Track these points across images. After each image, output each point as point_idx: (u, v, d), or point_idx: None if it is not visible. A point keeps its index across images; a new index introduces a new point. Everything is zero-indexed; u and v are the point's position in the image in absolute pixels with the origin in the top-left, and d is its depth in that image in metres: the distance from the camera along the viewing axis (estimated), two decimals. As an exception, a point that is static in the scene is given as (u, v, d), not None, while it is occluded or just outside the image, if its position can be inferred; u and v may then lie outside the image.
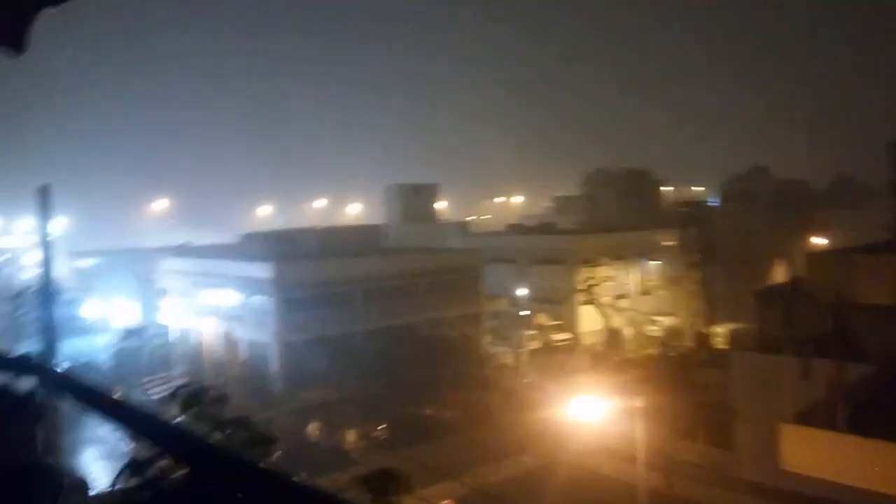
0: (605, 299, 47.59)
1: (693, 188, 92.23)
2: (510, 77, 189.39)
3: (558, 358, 42.68)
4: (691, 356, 36.89)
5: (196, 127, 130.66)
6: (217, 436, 2.33)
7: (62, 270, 46.45)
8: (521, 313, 48.20)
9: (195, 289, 46.79)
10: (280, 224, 70.01)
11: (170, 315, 49.79)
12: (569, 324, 48.31)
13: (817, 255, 32.43)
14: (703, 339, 42.58)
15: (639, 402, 26.35)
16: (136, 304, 51.71)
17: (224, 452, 1.64)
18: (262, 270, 40.70)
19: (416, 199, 69.77)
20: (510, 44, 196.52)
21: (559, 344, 46.28)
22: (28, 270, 48.29)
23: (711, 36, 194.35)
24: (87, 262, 56.79)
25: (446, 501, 23.30)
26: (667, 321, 48.60)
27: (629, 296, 50.36)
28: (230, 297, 43.54)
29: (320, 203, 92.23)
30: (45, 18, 1.82)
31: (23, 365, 2.29)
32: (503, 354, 44.54)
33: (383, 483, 2.78)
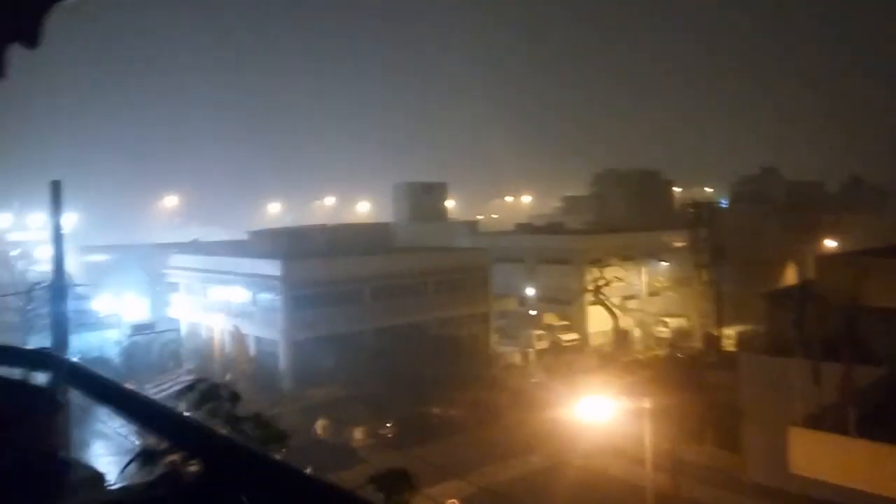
0: (614, 300, 47.47)
1: (703, 189, 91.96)
2: (520, 77, 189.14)
3: (566, 358, 42.62)
4: (700, 358, 36.77)
5: (207, 125, 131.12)
6: (231, 431, 2.34)
7: (73, 265, 46.71)
8: (530, 313, 48.15)
9: (204, 285, 46.98)
10: (289, 222, 70.21)
11: (179, 311, 50.02)
12: (577, 324, 48.23)
13: (828, 258, 32.21)
14: (711, 341, 42.44)
15: (647, 404, 26.29)
16: (146, 299, 51.97)
17: (239, 447, 1.65)
18: (271, 268, 40.81)
19: (424, 197, 69.76)
20: (521, 43, 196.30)
21: (567, 344, 46.20)
22: (40, 265, 48.66)
23: (723, 36, 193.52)
24: (98, 258, 57.14)
25: (452, 500, 23.29)
26: (675, 322, 48.44)
27: (638, 296, 50.26)
28: (239, 294, 43.70)
29: (329, 201, 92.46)
30: (59, 13, 1.83)
31: (39, 358, 2.31)
32: (511, 354, 44.50)
33: (394, 482, 2.79)
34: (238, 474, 1.63)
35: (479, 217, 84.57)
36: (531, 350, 44.59)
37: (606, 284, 47.34)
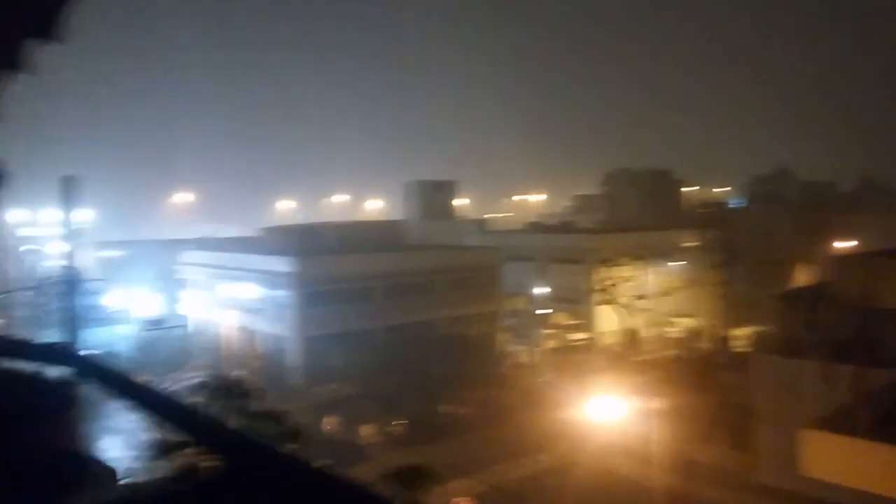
0: (625, 299, 47.29)
1: (715, 189, 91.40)
2: (531, 75, 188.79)
3: (576, 357, 42.52)
4: (711, 358, 36.57)
5: (219, 122, 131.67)
6: (245, 427, 2.32)
7: (86, 260, 47.04)
8: (540, 312, 48.05)
9: (216, 281, 47.20)
10: (300, 219, 70.37)
11: (190, 306, 50.29)
12: (587, 323, 48.09)
13: (842, 258, 31.91)
14: (723, 342, 42.21)
15: (657, 404, 26.18)
16: (157, 295, 52.27)
17: (256, 443, 1.63)
18: (282, 264, 40.94)
19: (435, 196, 69.74)
20: (533, 42, 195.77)
21: (577, 343, 46.08)
22: (52, 260, 49.02)
23: (735, 35, 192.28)
24: (110, 253, 57.52)
25: (462, 499, 23.27)
26: (687, 322, 48.21)
27: (649, 296, 50.01)
28: (250, 291, 43.86)
29: (340, 199, 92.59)
30: (80, 10, 1.82)
31: (55, 353, 2.30)
32: (521, 353, 44.43)
33: (412, 478, 2.77)
34: (256, 470, 1.61)
35: (490, 215, 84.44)
36: (541, 349, 44.50)
37: (617, 284, 47.17)
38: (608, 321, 47.97)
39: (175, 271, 52.09)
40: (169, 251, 52.97)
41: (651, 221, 60.37)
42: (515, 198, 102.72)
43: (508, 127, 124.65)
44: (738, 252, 46.16)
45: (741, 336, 42.43)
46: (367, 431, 31.04)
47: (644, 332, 48.17)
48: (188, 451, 1.80)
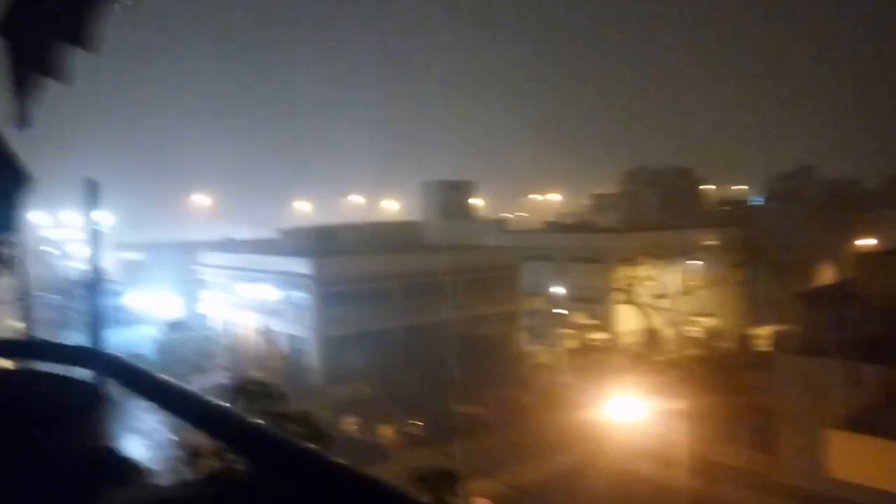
0: (645, 299, 46.99)
1: (734, 187, 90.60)
2: (549, 74, 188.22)
3: (595, 357, 42.29)
4: (733, 358, 36.22)
5: (236, 125, 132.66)
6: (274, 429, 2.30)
7: (108, 263, 47.54)
8: (558, 312, 47.87)
9: (235, 283, 47.53)
10: (318, 220, 70.64)
11: (211, 308, 50.67)
12: (606, 323, 47.82)
13: (867, 257, 31.49)
14: (744, 341, 41.81)
15: (678, 404, 25.98)
16: (178, 296, 52.72)
17: (290, 445, 1.60)
18: (302, 265, 41.13)
19: (452, 196, 69.69)
20: (549, 40, 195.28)
21: (596, 343, 45.84)
22: (75, 262, 49.62)
23: (755, 30, 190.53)
24: (131, 255, 58.11)
25: (481, 499, 23.21)
26: (708, 322, 47.80)
27: (669, 296, 49.64)
28: (269, 292, 44.11)
29: (357, 199, 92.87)
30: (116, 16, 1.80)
31: (83, 354, 2.29)
32: (540, 353, 44.27)
33: (441, 481, 2.72)
34: (290, 472, 1.58)
35: (508, 215, 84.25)
36: (560, 349, 44.32)
37: (637, 283, 46.87)
38: (627, 321, 47.67)
39: (194, 273, 52.50)
40: (188, 253, 53.39)
41: (670, 220, 59.94)
42: (533, 197, 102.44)
43: (525, 126, 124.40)
44: (758, 251, 45.70)
45: (762, 335, 42.00)
46: (385, 431, 31.09)
47: (664, 332, 47.83)
48: (219, 452, 1.77)
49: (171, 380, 1.98)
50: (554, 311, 48.03)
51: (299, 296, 41.54)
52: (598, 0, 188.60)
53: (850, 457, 21.67)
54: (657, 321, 47.63)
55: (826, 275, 47.48)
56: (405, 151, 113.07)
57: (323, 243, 44.97)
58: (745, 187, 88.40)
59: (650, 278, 47.68)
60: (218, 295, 50.05)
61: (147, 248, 59.19)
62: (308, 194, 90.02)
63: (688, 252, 51.22)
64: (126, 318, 44.22)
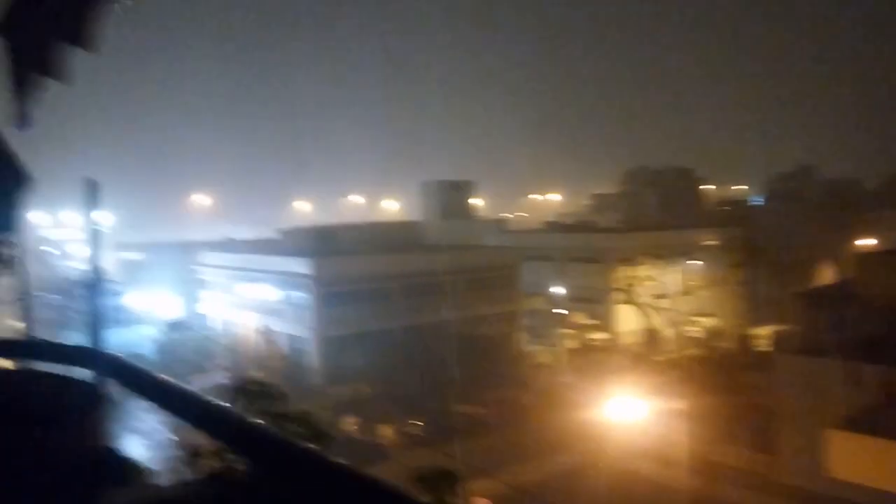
0: (645, 299, 47.00)
1: (734, 187, 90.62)
2: (549, 73, 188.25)
3: (596, 357, 42.28)
4: (733, 358, 36.22)
5: (235, 124, 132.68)
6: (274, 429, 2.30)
7: (108, 262, 47.47)
8: (558, 312, 47.87)
9: (235, 283, 47.53)
10: (318, 220, 70.61)
11: (211, 308, 50.67)
12: (606, 323, 47.82)
13: (868, 256, 31.50)
14: (745, 341, 41.83)
15: (678, 404, 25.98)
16: (178, 296, 52.71)
17: (290, 445, 1.60)
18: (301, 266, 41.13)
19: (452, 196, 69.68)
20: (549, 39, 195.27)
21: (596, 343, 45.84)
22: (75, 262, 49.62)
23: (755, 30, 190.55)
24: (131, 255, 58.10)
25: (481, 499, 23.21)
26: (708, 322, 47.80)
27: (669, 296, 49.65)
28: (269, 292, 44.12)
29: (357, 199, 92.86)
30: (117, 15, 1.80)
31: (83, 354, 2.29)
32: (540, 353, 44.27)
33: (441, 482, 2.72)
34: (290, 472, 1.58)
35: (508, 215, 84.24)
36: (560, 349, 44.32)
37: (637, 283, 46.88)
38: (627, 321, 47.67)
39: (194, 273, 52.49)
40: (188, 253, 53.39)
41: (670, 220, 59.95)
42: (533, 197, 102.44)
43: (525, 126, 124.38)
44: (758, 251, 45.69)
45: (762, 335, 42.02)
46: (385, 431, 31.08)
47: (664, 332, 47.83)
48: (219, 452, 1.77)
49: (172, 380, 1.98)
50: (554, 311, 48.04)
51: (299, 296, 41.54)
52: (599, 1, 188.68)
53: (850, 457, 21.67)
54: (657, 321, 47.63)
55: (826, 275, 47.50)
56: (405, 151, 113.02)
57: (323, 243, 44.97)
58: (746, 187, 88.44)
59: (650, 278, 47.68)
60: (218, 295, 50.04)
61: (147, 248, 59.18)
62: (308, 194, 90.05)
63: (688, 252, 51.23)
64: (126, 318, 44.22)
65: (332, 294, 40.24)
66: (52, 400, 1.87)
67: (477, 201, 76.94)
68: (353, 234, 48.42)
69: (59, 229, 60.30)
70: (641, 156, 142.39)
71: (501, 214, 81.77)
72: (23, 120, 1.82)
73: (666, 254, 50.56)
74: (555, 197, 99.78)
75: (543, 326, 46.88)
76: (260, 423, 1.85)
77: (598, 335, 46.73)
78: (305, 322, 40.76)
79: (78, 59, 1.79)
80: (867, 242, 47.72)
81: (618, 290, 47.21)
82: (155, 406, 1.97)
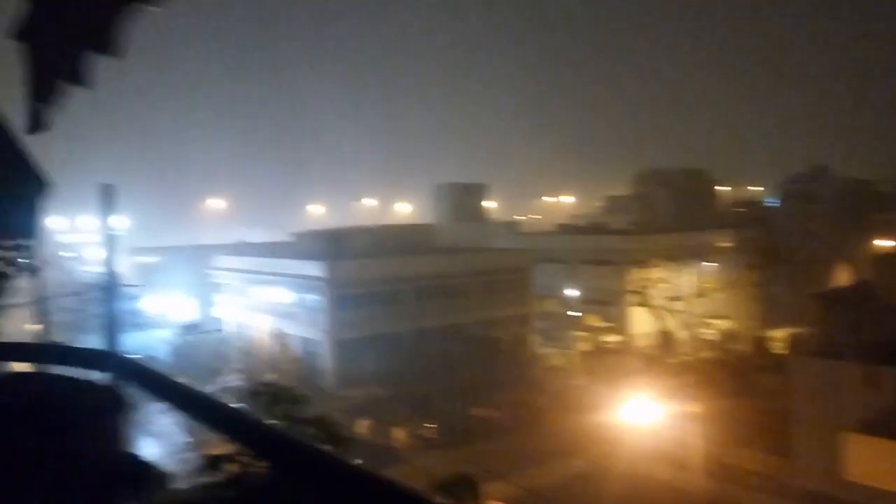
0: (659, 301, 46.75)
1: (749, 188, 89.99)
2: (562, 76, 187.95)
3: (609, 360, 42.11)
4: (748, 360, 35.98)
5: (249, 128, 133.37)
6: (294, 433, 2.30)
7: (123, 266, 47.90)
8: (572, 314, 47.72)
9: (249, 286, 47.76)
10: (331, 223, 70.86)
11: (225, 311, 50.93)
12: (620, 326, 47.61)
13: (884, 257, 31.17)
14: (760, 344, 41.51)
15: (693, 407, 25.81)
16: (193, 300, 53.03)
17: (309, 449, 1.59)
18: (315, 269, 41.26)
19: (465, 198, 69.76)
20: (563, 42, 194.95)
21: (610, 346, 45.65)
22: (91, 266, 50.04)
23: (771, 30, 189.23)
24: (147, 259, 58.52)
25: (496, 503, 23.14)
26: (723, 324, 47.49)
27: (683, 298, 49.39)
28: (283, 295, 44.28)
29: (370, 202, 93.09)
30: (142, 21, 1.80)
31: (102, 358, 2.30)
32: (553, 356, 44.14)
33: (460, 487, 2.71)
34: (309, 476, 1.58)
35: (521, 217, 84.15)
36: (573, 352, 44.18)
37: (651, 286, 46.65)
38: (641, 323, 47.44)
39: (209, 276, 52.82)
40: (203, 257, 53.73)
41: (684, 222, 59.59)
42: (546, 199, 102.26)
43: (537, 128, 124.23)
44: (774, 252, 45.34)
45: (778, 338, 41.68)
46: (399, 434, 31.09)
47: (678, 335, 47.57)
48: (237, 456, 1.77)
49: (190, 384, 1.98)
50: (567, 313, 47.90)
51: (313, 299, 41.67)
52: (612, 2, 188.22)
53: (867, 460, 21.45)
54: (671, 323, 47.38)
55: (843, 276, 47.06)
56: (418, 154, 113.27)
57: (336, 246, 45.10)
58: (761, 188, 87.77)
59: (664, 280, 47.43)
60: (232, 298, 50.30)
61: (162, 252, 59.60)
62: (321, 198, 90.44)
63: (702, 254, 50.92)
64: (141, 322, 44.55)
65: (345, 297, 40.34)
66: (71, 404, 1.88)
67: (489, 204, 76.99)
68: (366, 237, 48.54)
69: (75, 234, 60.84)
70: (655, 157, 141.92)
71: (514, 217, 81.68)
72: (37, 125, 1.81)
73: (680, 256, 50.27)
74: (568, 199, 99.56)
75: (556, 329, 46.75)
76: (280, 427, 1.85)
77: (611, 338, 46.54)
78: (319, 325, 40.87)
79: (102, 65, 1.79)
80: (884, 243, 47.22)
81: (631, 292, 47.00)
82: (174, 410, 1.97)
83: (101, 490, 1.77)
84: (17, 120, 1.87)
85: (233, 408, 1.85)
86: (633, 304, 47.17)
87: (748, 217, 49.26)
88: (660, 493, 24.79)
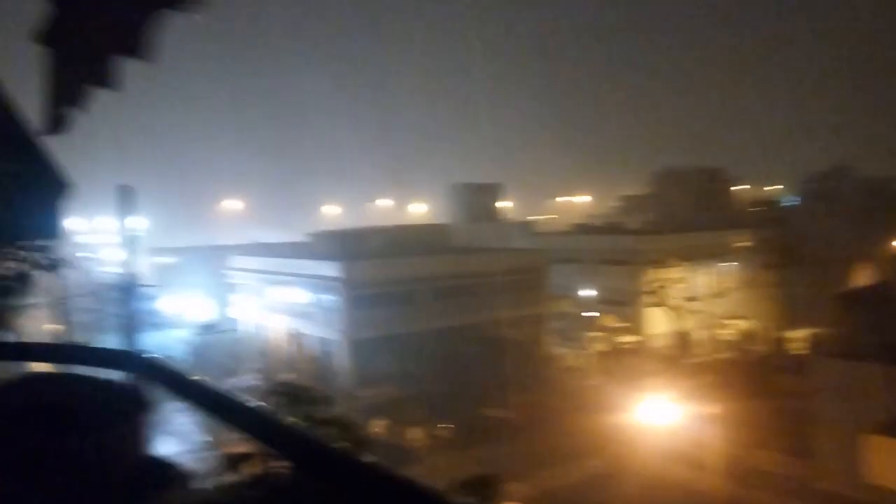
0: (675, 301, 46.45)
1: (766, 187, 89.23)
2: (579, 75, 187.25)
3: (625, 360, 41.92)
4: (766, 361, 35.69)
5: (264, 129, 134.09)
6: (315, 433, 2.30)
7: (142, 267, 48.32)
8: (587, 314, 47.52)
9: (266, 286, 48.01)
10: (347, 224, 71.07)
11: (242, 311, 51.24)
12: (636, 326, 47.36)
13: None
14: (779, 344, 41.16)
15: (711, 408, 25.63)
16: (210, 300, 53.40)
17: (332, 450, 1.59)
18: (331, 269, 41.40)
19: (480, 198, 69.63)
20: (575, 41, 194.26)
21: (626, 346, 45.43)
22: (111, 266, 50.52)
23: (790, 28, 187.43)
24: (164, 259, 59.01)
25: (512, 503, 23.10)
26: (740, 325, 47.11)
27: (701, 298, 49.04)
28: (299, 295, 44.48)
29: (385, 203, 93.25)
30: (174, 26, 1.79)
31: (124, 358, 2.31)
32: (568, 356, 43.99)
33: (482, 488, 2.70)
34: (331, 477, 1.57)
35: (536, 217, 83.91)
36: (589, 352, 44.00)
37: (667, 286, 46.37)
38: (658, 323, 47.17)
39: (226, 277, 53.16)
40: (219, 257, 54.08)
41: (701, 221, 59.16)
42: (561, 199, 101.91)
43: (553, 127, 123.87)
44: (793, 252, 44.90)
45: (797, 338, 41.29)
46: (414, 434, 31.11)
47: (695, 335, 47.24)
48: (260, 456, 1.78)
49: (212, 383, 1.99)
50: (583, 313, 47.71)
51: (329, 299, 41.80)
52: (630, 0, 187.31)
53: (888, 462, 21.19)
54: (688, 324, 47.07)
55: (863, 276, 46.50)
56: (432, 154, 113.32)
57: (352, 247, 45.22)
58: (780, 187, 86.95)
59: (681, 280, 47.12)
60: (249, 298, 50.60)
61: (180, 253, 60.05)
62: (337, 198, 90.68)
63: (720, 253, 50.52)
64: (160, 322, 44.92)
65: (361, 297, 40.43)
66: (93, 404, 1.89)
67: (504, 204, 76.82)
68: (382, 237, 48.61)
69: (95, 234, 61.43)
70: (672, 156, 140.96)
71: (529, 217, 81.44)
72: (58, 126, 1.80)
73: (697, 255, 49.90)
74: (583, 199, 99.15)
75: (572, 329, 46.58)
76: (302, 427, 1.84)
77: (627, 338, 46.30)
78: (335, 325, 41.00)
79: (130, 69, 1.78)
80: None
81: (648, 292, 46.73)
82: (196, 409, 1.97)
83: (124, 490, 1.77)
84: (38, 120, 1.86)
85: (256, 407, 1.85)
86: (649, 305, 46.90)
87: (767, 216, 48.79)
88: (678, 494, 24.64)
